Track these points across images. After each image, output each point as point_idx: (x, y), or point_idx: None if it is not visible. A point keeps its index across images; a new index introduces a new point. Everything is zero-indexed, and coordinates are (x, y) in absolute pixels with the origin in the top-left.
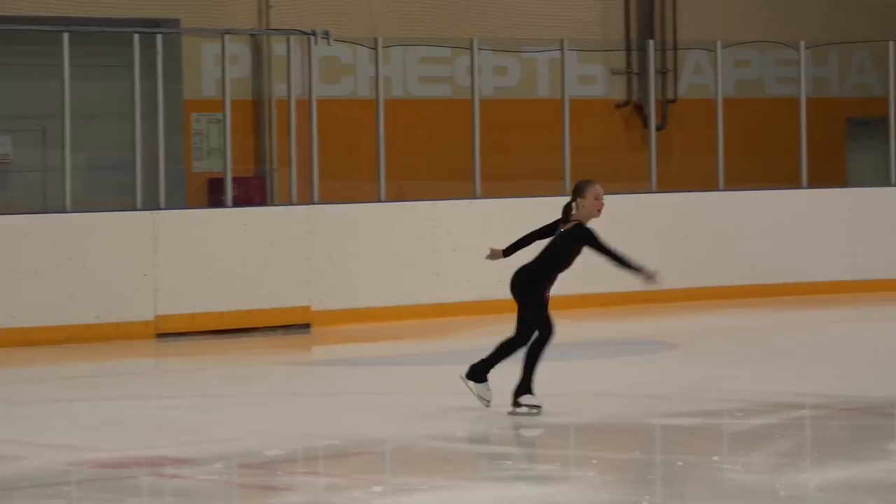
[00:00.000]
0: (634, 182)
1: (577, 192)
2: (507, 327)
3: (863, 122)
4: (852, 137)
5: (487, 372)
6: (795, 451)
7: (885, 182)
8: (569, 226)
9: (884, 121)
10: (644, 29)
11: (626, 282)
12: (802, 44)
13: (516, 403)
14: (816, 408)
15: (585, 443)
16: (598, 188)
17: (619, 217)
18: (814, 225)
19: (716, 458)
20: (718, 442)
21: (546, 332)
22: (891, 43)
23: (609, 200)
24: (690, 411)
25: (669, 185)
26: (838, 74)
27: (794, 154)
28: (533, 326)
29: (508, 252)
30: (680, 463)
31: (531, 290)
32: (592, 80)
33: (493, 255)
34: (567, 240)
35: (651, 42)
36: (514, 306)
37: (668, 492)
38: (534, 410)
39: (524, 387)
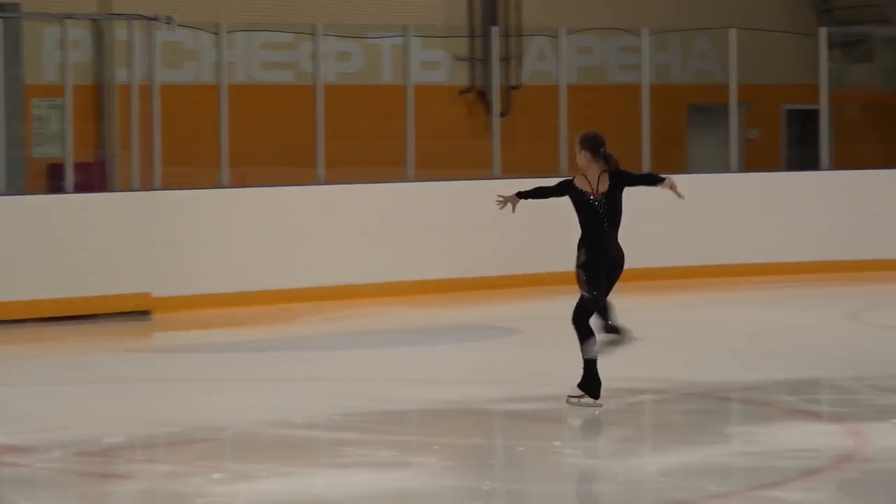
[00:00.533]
0: (478, 168)
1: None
2: (352, 313)
3: (704, 109)
4: (693, 123)
5: (610, 327)
6: (635, 435)
7: (725, 168)
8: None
9: (724, 107)
10: (487, 15)
11: (467, 267)
12: (645, 31)
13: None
14: (656, 392)
15: (426, 429)
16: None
17: (462, 203)
18: (654, 211)
19: (557, 442)
20: (559, 427)
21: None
22: (731, 30)
23: (452, 187)
24: (531, 396)
25: (512, 171)
26: (680, 61)
27: (636, 140)
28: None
29: (525, 196)
30: (521, 448)
31: None
32: (436, 66)
33: (510, 200)
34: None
35: (495, 28)
36: (360, 292)
37: (509, 477)
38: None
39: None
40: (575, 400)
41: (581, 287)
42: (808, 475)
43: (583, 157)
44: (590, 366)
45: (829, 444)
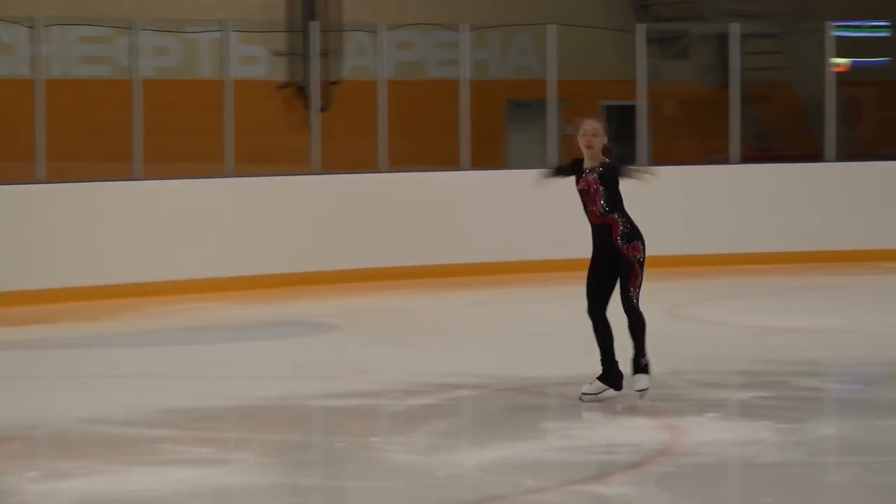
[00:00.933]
0: (297, 164)
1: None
2: (170, 309)
3: (522, 104)
4: (512, 119)
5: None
6: (453, 430)
7: (543, 164)
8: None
9: (542, 103)
10: (306, 10)
11: (285, 263)
12: (464, 26)
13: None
14: (474, 388)
15: (244, 425)
16: (587, 124)
17: (281, 198)
18: (474, 206)
19: (374, 438)
20: (377, 423)
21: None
22: (550, 26)
23: (271, 182)
24: (349, 392)
25: (332, 166)
26: (499, 57)
27: (455, 135)
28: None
29: (551, 174)
30: (339, 444)
31: None
32: (254, 61)
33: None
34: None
35: (314, 23)
36: (179, 289)
37: (327, 473)
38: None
39: (641, 363)
40: (591, 396)
41: (636, 296)
42: (625, 470)
43: (599, 141)
44: (609, 359)
45: (646, 438)
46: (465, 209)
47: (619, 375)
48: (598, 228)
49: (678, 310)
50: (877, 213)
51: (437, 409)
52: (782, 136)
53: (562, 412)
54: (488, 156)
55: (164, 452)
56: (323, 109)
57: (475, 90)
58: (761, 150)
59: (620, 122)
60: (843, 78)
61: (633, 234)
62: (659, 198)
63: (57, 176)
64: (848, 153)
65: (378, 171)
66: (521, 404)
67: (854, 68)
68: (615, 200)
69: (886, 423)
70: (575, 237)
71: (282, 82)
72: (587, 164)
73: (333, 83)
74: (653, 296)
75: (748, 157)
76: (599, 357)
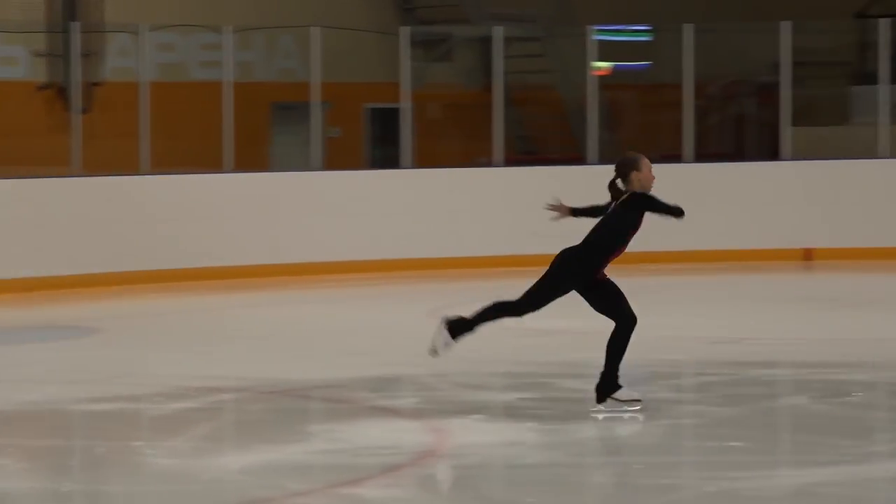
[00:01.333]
0: (58, 165)
1: (631, 165)
2: None
3: (287, 107)
4: (276, 122)
5: (466, 331)
6: (217, 434)
7: (306, 166)
8: (623, 197)
9: (306, 105)
10: (67, 10)
11: (44, 266)
12: (230, 28)
13: (603, 400)
14: (237, 391)
15: (3, 430)
16: (647, 160)
17: (42, 200)
18: (238, 208)
19: (137, 443)
20: (139, 427)
21: (629, 321)
22: (314, 28)
23: (32, 185)
24: (111, 396)
25: (94, 168)
26: (264, 59)
27: (218, 138)
28: (615, 315)
29: (577, 213)
30: (100, 449)
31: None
32: (13, 61)
33: (560, 209)
34: (629, 211)
35: (74, 24)
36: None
37: (88, 478)
38: (635, 405)
39: (613, 382)
40: (441, 347)
41: None
42: (389, 472)
43: None
44: (476, 325)
45: (410, 440)
46: (228, 211)
47: (464, 330)
48: (604, 261)
49: (441, 312)
50: None
51: (200, 413)
52: (545, 139)
53: (326, 415)
54: (252, 158)
55: None
56: (84, 111)
57: (238, 92)
58: (524, 152)
59: (384, 125)
60: (605, 81)
61: None
62: (422, 200)
63: None
64: (610, 156)
65: (140, 173)
66: (285, 407)
67: (616, 72)
68: None
69: (648, 424)
70: (337, 240)
71: (42, 83)
72: None
73: (95, 84)
74: (414, 297)
75: (511, 160)
76: (473, 316)
